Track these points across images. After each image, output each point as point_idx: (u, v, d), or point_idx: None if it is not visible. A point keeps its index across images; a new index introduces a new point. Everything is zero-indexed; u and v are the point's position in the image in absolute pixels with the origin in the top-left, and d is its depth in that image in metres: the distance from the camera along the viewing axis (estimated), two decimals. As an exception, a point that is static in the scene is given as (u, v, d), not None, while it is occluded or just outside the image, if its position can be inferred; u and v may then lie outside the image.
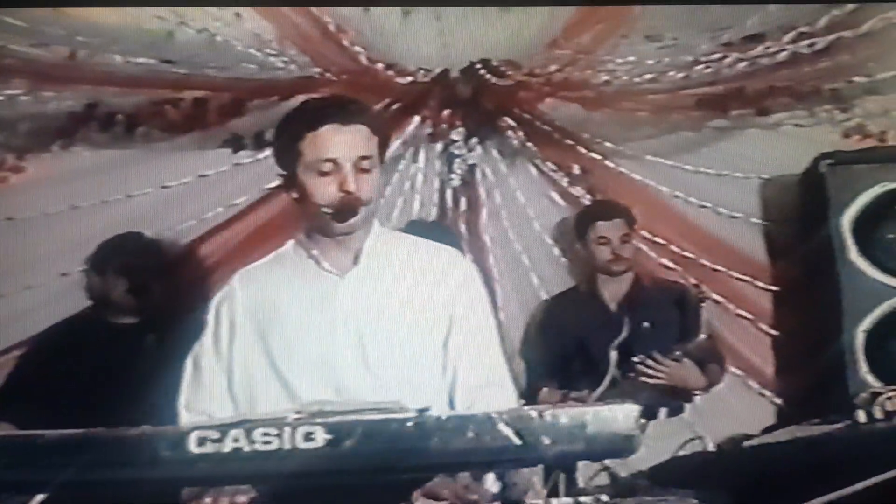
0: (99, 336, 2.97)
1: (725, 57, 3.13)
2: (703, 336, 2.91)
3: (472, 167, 3.41)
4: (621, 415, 1.15)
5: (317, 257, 1.87)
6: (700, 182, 3.35)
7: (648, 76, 3.19)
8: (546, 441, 1.13)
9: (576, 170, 3.41)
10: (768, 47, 3.03)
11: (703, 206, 3.36)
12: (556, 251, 3.41)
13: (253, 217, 3.30)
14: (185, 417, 1.85)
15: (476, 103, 3.39)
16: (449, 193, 3.41)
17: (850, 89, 3.25)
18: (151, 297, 3.03)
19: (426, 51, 3.22)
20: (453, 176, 3.40)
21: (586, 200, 3.40)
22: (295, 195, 1.87)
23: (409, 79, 3.31)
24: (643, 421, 1.16)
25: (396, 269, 1.87)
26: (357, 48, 3.19)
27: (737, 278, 3.34)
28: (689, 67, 3.16)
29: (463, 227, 3.40)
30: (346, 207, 1.79)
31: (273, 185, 3.20)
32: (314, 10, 3.02)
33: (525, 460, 1.17)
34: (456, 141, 3.38)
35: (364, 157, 1.81)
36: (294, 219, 2.98)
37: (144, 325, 2.99)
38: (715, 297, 3.18)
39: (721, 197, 3.34)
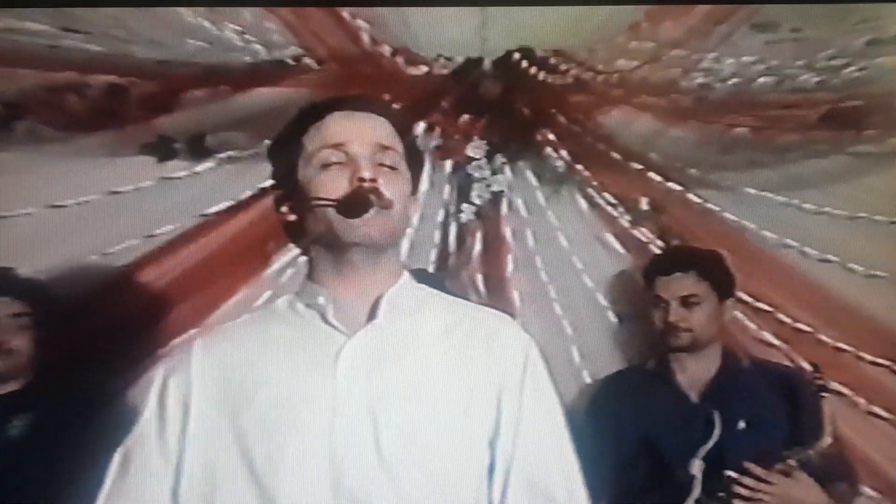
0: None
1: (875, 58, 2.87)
2: (827, 440, 2.56)
3: (496, 196, 3.11)
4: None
5: (322, 307, 1.73)
6: (823, 227, 3.05)
7: (765, 80, 2.90)
8: None
9: (643, 204, 3.11)
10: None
11: (827, 260, 3.04)
12: (612, 316, 3.10)
13: (184, 254, 3.03)
14: None
15: (507, 108, 3.10)
16: (454, 230, 3.10)
17: None
18: (22, 362, 2.74)
19: (454, 32, 2.99)
20: (465, 207, 3.09)
21: (656, 248, 3.10)
22: (287, 211, 1.78)
23: (424, 69, 3.04)
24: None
25: (426, 333, 1.76)
26: (360, 22, 2.97)
27: (871, 362, 2.99)
28: (823, 72, 2.88)
29: (479, 279, 3.08)
30: (360, 197, 1.68)
31: (217, 208, 3.04)
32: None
33: None
34: (475, 159, 3.09)
35: (385, 148, 1.74)
36: (250, 260, 2.96)
37: (11, 403, 2.70)
38: (839, 387, 2.87)
39: (854, 248, 3.02)
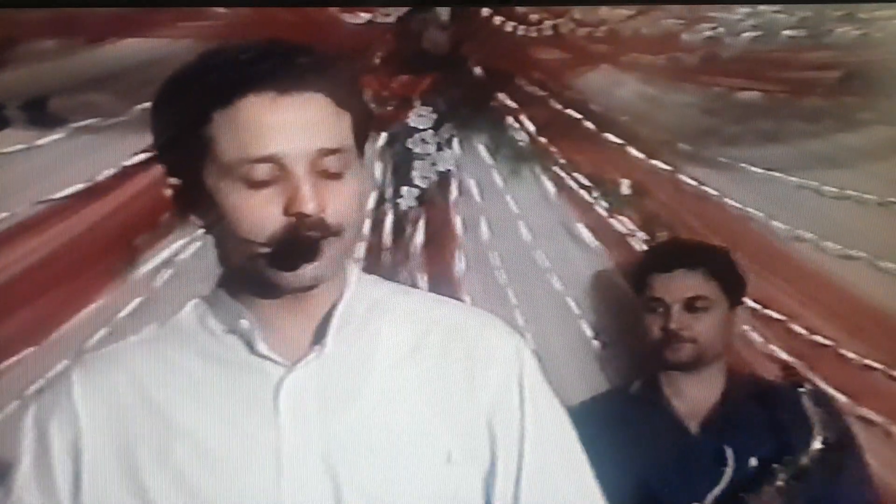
0: None
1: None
2: (817, 442, 2.34)
3: (443, 176, 2.82)
4: None
5: (246, 332, 1.47)
6: (850, 215, 2.77)
7: (792, 34, 2.59)
8: None
9: (624, 187, 2.84)
10: None
11: (851, 257, 2.77)
12: (587, 328, 2.82)
13: (20, 250, 2.66)
14: None
15: (457, 65, 2.81)
16: (390, 220, 2.81)
17: None
18: None
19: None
20: (406, 191, 2.82)
21: (638, 241, 2.82)
22: (196, 219, 1.48)
23: (366, 17, 2.72)
24: None
25: (390, 353, 1.51)
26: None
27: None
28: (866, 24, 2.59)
29: (422, 280, 2.82)
30: (301, 242, 1.39)
31: (66, 192, 2.69)
32: None
33: None
34: (418, 130, 2.79)
35: (331, 151, 1.39)
36: (110, 259, 2.71)
37: None
38: (868, 413, 2.59)
39: (886, 242, 2.75)
